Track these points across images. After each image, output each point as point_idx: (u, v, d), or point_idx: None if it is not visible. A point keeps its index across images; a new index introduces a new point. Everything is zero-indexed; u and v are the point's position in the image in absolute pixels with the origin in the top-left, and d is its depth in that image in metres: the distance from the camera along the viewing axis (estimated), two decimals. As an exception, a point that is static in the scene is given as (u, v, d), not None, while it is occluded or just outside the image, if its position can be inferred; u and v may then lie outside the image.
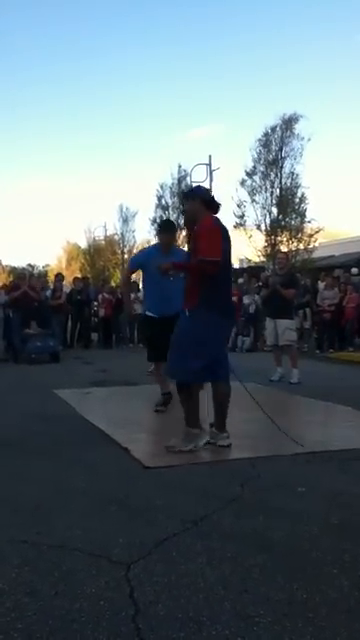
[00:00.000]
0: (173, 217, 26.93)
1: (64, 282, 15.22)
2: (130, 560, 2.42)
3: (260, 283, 14.68)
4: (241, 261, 25.88)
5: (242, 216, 21.24)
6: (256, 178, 21.25)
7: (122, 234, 35.00)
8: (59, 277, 15.00)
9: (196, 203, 4.26)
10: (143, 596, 2.13)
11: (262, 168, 21.16)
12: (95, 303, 15.06)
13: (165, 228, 5.86)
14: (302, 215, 20.61)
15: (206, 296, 4.07)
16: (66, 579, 2.27)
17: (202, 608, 2.05)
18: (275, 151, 21.01)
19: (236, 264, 28.56)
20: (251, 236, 21.15)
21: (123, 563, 2.39)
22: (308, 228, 20.70)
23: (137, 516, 2.95)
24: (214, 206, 4.28)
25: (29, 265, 52.52)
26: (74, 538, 2.66)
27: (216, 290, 4.10)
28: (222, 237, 4.12)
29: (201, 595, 2.14)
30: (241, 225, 21.70)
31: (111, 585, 2.22)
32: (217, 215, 4.29)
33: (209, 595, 2.14)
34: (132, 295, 11.98)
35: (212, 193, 4.37)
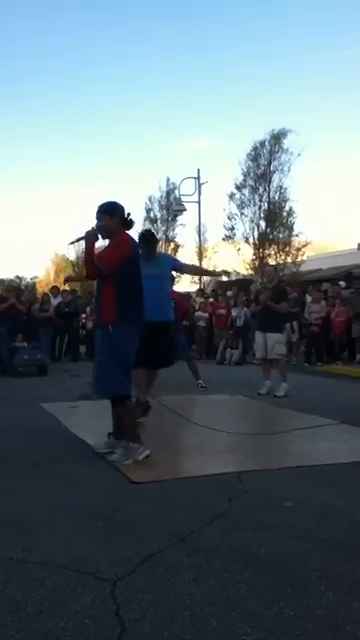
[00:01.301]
0: (162, 230, 27.07)
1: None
2: (116, 577, 2.40)
3: (248, 297, 14.74)
4: (230, 274, 26.01)
5: (232, 229, 21.41)
6: (245, 192, 21.46)
7: (111, 246, 35.01)
8: (54, 290, 15.00)
9: (114, 221, 4.32)
10: (129, 613, 2.11)
11: (251, 182, 21.37)
12: (83, 315, 15.04)
13: (141, 239, 5.89)
14: (290, 229, 20.84)
15: (124, 310, 4.21)
16: (51, 597, 2.24)
17: (188, 625, 2.04)
18: (264, 165, 21.25)
19: (224, 277, 28.74)
20: (239, 249, 21.30)
21: (109, 580, 2.37)
22: (296, 242, 20.90)
23: (124, 532, 2.93)
24: (129, 224, 4.42)
25: (17, 277, 52.28)
26: (60, 555, 2.64)
27: (133, 303, 4.25)
28: (131, 255, 4.28)
29: (187, 612, 2.12)
30: (230, 238, 21.88)
31: (97, 602, 2.20)
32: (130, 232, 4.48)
33: (195, 612, 2.12)
34: None
35: (127, 211, 4.49)
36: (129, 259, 4.26)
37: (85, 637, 1.96)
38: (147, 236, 6.02)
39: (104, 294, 4.31)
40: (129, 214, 4.45)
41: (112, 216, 4.33)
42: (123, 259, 4.23)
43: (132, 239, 4.48)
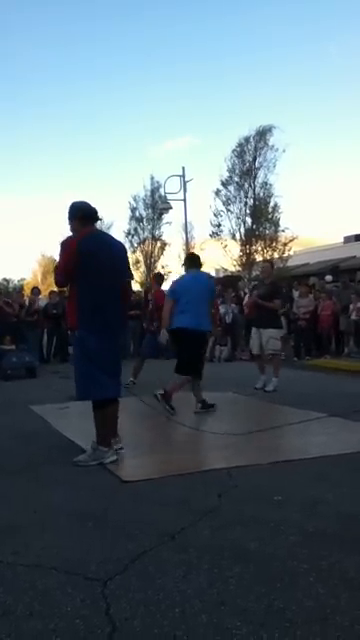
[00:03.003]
0: (148, 228, 27.03)
1: (40, 295, 15.11)
2: (106, 576, 2.40)
3: (236, 293, 14.79)
4: (217, 271, 26.05)
5: (219, 225, 21.45)
6: (231, 188, 21.49)
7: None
8: (35, 291, 14.88)
9: (75, 224, 4.30)
10: (119, 612, 2.12)
11: (237, 178, 21.41)
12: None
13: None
14: (276, 224, 20.89)
15: (84, 316, 4.15)
16: (41, 598, 2.24)
17: (179, 622, 2.04)
18: (249, 162, 21.28)
19: (213, 274, 28.79)
20: (226, 246, 21.33)
21: (99, 580, 2.38)
22: (282, 237, 20.96)
23: (114, 531, 2.93)
24: (89, 217, 4.30)
25: (4, 279, 52.04)
26: (50, 556, 2.63)
27: (94, 309, 4.14)
28: (79, 256, 4.10)
29: (177, 609, 2.13)
30: (217, 235, 21.91)
31: (87, 603, 2.20)
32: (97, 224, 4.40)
33: (185, 609, 2.13)
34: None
35: (85, 203, 4.36)
36: (78, 261, 4.10)
37: (75, 638, 1.97)
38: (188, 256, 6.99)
39: (69, 299, 4.39)
40: (86, 207, 4.33)
41: (72, 219, 4.30)
42: (69, 265, 4.14)
43: (81, 238, 4.19)
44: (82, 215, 4.29)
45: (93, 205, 4.38)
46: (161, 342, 7.40)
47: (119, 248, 4.49)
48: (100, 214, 4.44)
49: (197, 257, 7.00)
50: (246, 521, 3.00)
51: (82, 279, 4.13)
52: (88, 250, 4.14)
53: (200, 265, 6.80)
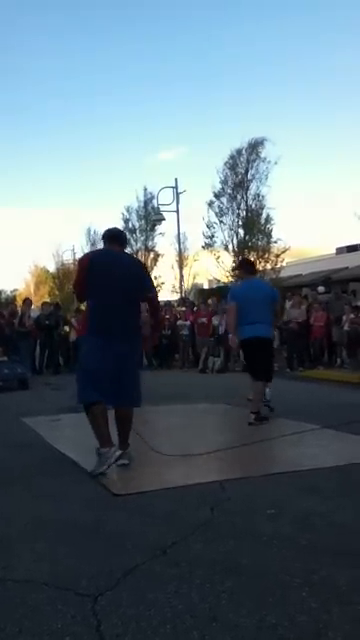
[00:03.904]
0: (141, 239, 27.06)
1: (32, 307, 15.07)
2: (97, 592, 2.37)
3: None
4: (210, 282, 26.09)
5: (212, 237, 21.51)
6: (223, 200, 21.57)
7: (91, 257, 34.91)
8: (27, 302, 14.85)
9: (103, 245, 4.75)
10: (110, 629, 2.09)
11: (229, 190, 21.49)
12: (67, 327, 14.88)
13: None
14: (268, 235, 20.93)
15: (90, 324, 4.56)
16: (31, 615, 2.22)
17: (170, 639, 2.02)
18: (241, 174, 21.38)
19: (206, 285, 28.82)
20: (219, 257, 21.37)
21: (90, 595, 2.35)
22: (275, 248, 21.01)
23: (105, 546, 2.91)
24: (111, 238, 4.70)
25: (-4, 290, 51.82)
26: (41, 571, 2.61)
27: (94, 317, 4.47)
28: (88, 272, 4.43)
29: (169, 625, 2.11)
30: (210, 246, 21.95)
31: (77, 619, 2.17)
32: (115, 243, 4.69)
33: (177, 625, 2.11)
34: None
35: (114, 228, 4.92)
36: (88, 277, 4.41)
37: (65, 655, 1.94)
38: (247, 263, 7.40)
39: (85, 310, 4.90)
40: (112, 229, 4.80)
41: (103, 241, 4.77)
42: (83, 281, 4.48)
43: (90, 254, 4.81)
44: (107, 236, 4.71)
45: (121, 230, 5.09)
46: (232, 347, 7.52)
47: (132, 263, 4.82)
48: (98, 224, 4.87)
49: (254, 263, 7.41)
50: (239, 534, 2.98)
51: (93, 290, 4.43)
52: (98, 262, 4.48)
53: (256, 272, 6.97)
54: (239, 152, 21.29)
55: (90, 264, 4.47)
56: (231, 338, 6.88)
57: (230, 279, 21.62)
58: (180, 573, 2.54)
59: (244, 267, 7.20)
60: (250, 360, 6.66)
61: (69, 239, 67.09)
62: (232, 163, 21.44)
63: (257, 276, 6.74)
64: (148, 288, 4.68)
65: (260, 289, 6.66)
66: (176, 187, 20.59)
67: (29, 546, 2.92)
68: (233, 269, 7.27)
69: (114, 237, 4.70)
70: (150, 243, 27.40)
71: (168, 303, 17.49)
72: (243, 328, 6.35)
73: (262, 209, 21.03)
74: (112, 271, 4.39)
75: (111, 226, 4.89)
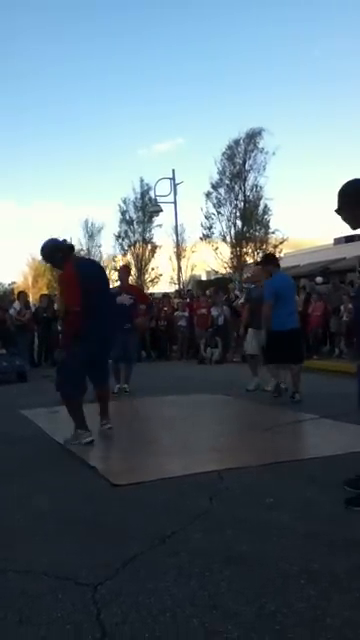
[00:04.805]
0: (138, 231, 27.02)
1: (30, 299, 15.05)
2: (97, 581, 2.39)
3: (228, 296, 14.81)
4: (208, 273, 26.08)
5: (210, 227, 21.51)
6: (221, 191, 21.55)
7: (88, 249, 34.92)
8: (22, 295, 14.82)
9: (57, 257, 4.95)
10: (110, 617, 2.10)
11: (227, 181, 21.46)
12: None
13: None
14: (266, 226, 20.98)
15: (83, 324, 4.68)
16: (31, 605, 2.23)
17: (169, 627, 2.03)
18: (239, 164, 21.34)
19: (204, 276, 28.83)
20: (217, 248, 21.38)
21: (90, 585, 2.36)
22: (272, 239, 21.04)
23: (105, 536, 2.92)
24: (69, 249, 5.05)
25: (-6, 283, 51.72)
26: (41, 562, 2.62)
27: (88, 318, 4.65)
28: (81, 280, 4.67)
29: (168, 613, 2.12)
30: (208, 237, 21.95)
31: (78, 608, 2.18)
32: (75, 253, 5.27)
33: (176, 613, 2.12)
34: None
35: (58, 240, 5.21)
36: (81, 285, 4.64)
37: (66, 644, 1.95)
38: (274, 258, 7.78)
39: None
40: (64, 241, 5.16)
41: (59, 261, 4.96)
42: (77, 291, 4.64)
43: (74, 263, 4.90)
44: (63, 250, 4.96)
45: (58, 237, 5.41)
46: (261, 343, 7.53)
47: (100, 265, 5.70)
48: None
49: (277, 258, 8.04)
50: (237, 524, 3.00)
51: (85, 296, 4.66)
52: (82, 265, 5.00)
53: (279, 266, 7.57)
54: (237, 143, 21.30)
55: (76, 268, 4.86)
56: (262, 334, 7.16)
57: (228, 270, 21.64)
58: (179, 562, 2.55)
59: (274, 261, 7.55)
60: (278, 349, 6.87)
61: (66, 232, 66.70)
62: (230, 154, 21.45)
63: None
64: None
65: (290, 281, 7.31)
66: (173, 178, 20.53)
67: (28, 538, 2.93)
68: (258, 263, 7.54)
69: (72, 248, 5.25)
70: (147, 235, 27.39)
71: (166, 295, 17.49)
72: (284, 319, 6.73)
73: (260, 200, 21.10)
74: (93, 271, 5.10)
75: (45, 243, 5.06)
